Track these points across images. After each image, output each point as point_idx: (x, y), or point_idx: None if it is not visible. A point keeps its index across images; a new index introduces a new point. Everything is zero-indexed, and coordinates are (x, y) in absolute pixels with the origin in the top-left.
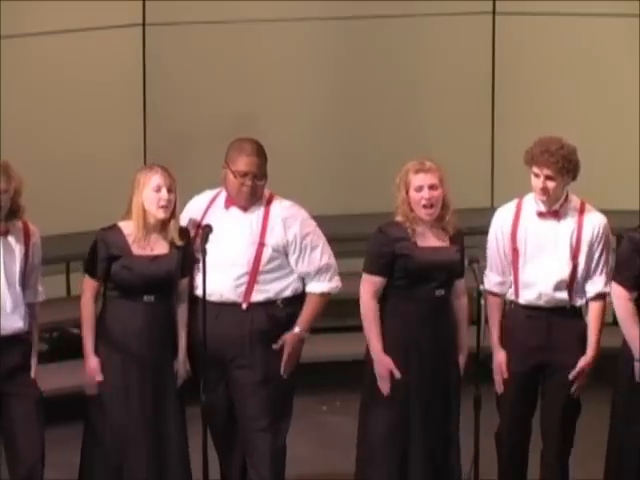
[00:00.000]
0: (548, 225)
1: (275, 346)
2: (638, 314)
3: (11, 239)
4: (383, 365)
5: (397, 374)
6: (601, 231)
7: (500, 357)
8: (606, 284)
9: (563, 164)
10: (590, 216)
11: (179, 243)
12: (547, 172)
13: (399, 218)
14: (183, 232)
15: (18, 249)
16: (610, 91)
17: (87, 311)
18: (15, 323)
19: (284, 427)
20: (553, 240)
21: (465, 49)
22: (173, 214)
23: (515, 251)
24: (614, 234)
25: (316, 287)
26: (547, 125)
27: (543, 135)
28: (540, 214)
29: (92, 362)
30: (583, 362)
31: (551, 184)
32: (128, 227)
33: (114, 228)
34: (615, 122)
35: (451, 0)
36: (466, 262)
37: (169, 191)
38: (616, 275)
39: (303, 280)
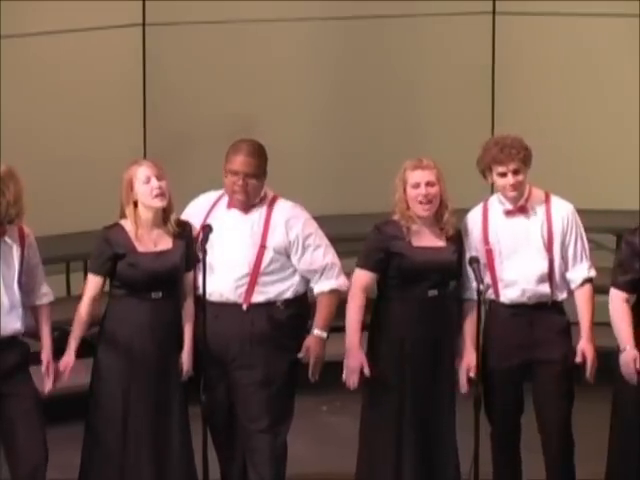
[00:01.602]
0: (517, 222)
1: (300, 355)
2: (633, 319)
3: (8, 240)
4: (355, 359)
5: (367, 371)
6: (570, 220)
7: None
8: (590, 269)
9: (524, 153)
10: (557, 206)
11: (177, 230)
12: (513, 166)
13: (395, 216)
14: (182, 222)
15: (15, 250)
16: (610, 91)
17: (81, 310)
18: (12, 324)
19: (284, 428)
20: (525, 236)
21: (465, 49)
22: (171, 204)
23: (489, 252)
24: (614, 234)
25: (325, 285)
26: (547, 125)
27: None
28: (507, 212)
29: (69, 359)
30: (580, 346)
31: (520, 177)
32: (129, 225)
33: (117, 226)
34: (615, 122)
35: (451, 0)
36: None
37: (159, 179)
38: (614, 279)
39: (308, 282)
